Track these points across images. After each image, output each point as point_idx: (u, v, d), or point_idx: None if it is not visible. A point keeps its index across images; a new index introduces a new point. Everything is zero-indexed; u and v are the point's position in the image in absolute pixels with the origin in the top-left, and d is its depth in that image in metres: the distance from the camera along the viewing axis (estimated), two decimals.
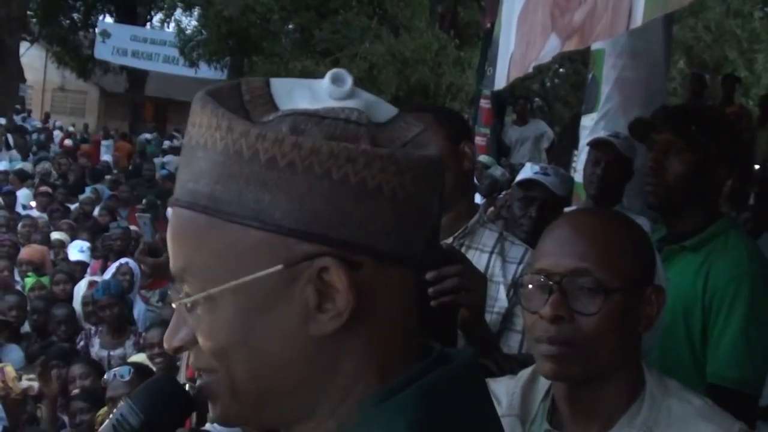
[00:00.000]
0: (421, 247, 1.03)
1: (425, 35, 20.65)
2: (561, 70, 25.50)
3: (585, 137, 5.12)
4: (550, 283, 1.68)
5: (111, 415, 1.20)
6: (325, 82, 1.00)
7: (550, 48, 2.38)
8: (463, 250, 2.61)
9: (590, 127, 5.04)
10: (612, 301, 1.66)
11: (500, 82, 4.17)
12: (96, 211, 11.88)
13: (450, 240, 2.64)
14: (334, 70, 1.01)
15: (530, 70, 3.08)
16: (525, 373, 1.86)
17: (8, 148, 17.68)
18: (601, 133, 4.36)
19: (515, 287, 2.50)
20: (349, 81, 1.00)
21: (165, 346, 1.06)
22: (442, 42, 20.61)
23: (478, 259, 2.63)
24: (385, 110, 1.04)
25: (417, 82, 19.69)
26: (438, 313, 2.11)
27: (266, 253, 0.95)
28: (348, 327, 0.97)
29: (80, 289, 7.20)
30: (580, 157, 5.22)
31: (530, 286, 1.73)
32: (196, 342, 1.02)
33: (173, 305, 1.04)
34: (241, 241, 0.95)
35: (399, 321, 1.01)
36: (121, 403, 1.19)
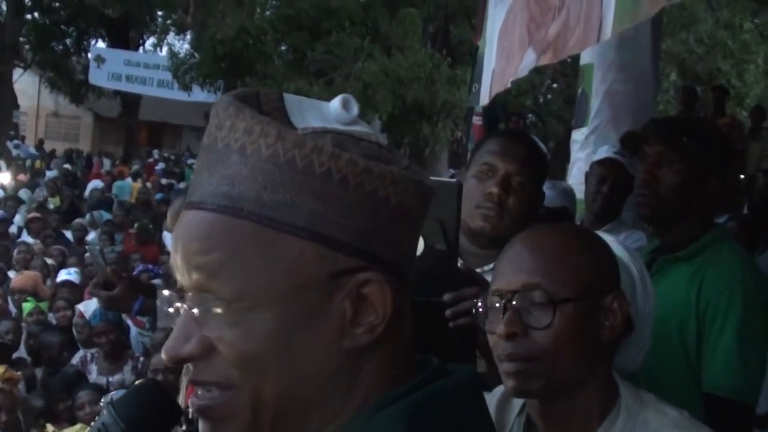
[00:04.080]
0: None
1: (418, 54, 20.67)
2: (554, 85, 25.57)
3: (576, 151, 5.14)
4: (504, 301, 1.70)
5: (93, 422, 1.18)
6: (335, 105, 1.03)
7: (527, 62, 2.41)
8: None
9: (581, 141, 5.05)
10: (564, 313, 1.67)
11: (484, 97, 4.19)
12: (91, 236, 11.86)
13: (491, 266, 2.64)
14: (343, 96, 1.04)
15: (509, 84, 3.11)
16: (499, 389, 1.85)
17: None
18: (605, 150, 4.35)
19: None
20: (356, 107, 1.03)
21: (168, 355, 1.01)
22: (435, 61, 20.65)
23: None
24: (379, 138, 1.06)
25: (412, 101, 19.73)
26: (456, 335, 2.10)
27: (313, 263, 0.96)
28: (377, 341, 1.00)
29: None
30: (572, 172, 5.23)
31: (488, 307, 1.75)
32: (209, 353, 0.99)
33: (187, 310, 1.01)
34: (290, 249, 0.96)
35: (407, 342, 1.05)
36: (104, 411, 1.17)
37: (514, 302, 1.69)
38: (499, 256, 1.78)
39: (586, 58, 4.91)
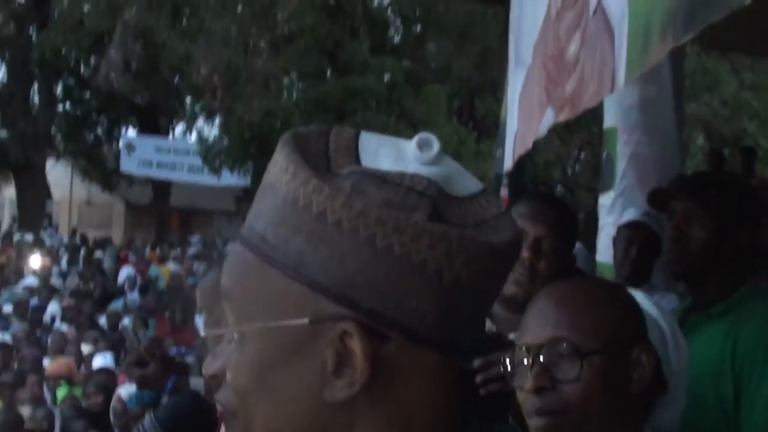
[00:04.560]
0: (469, 336, 0.99)
1: (444, 129, 20.85)
2: (582, 156, 25.59)
3: (604, 216, 5.11)
4: (531, 356, 1.69)
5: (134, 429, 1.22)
6: (411, 146, 0.98)
7: (547, 121, 2.42)
8: None
9: (608, 205, 5.02)
10: (591, 365, 1.65)
11: (508, 161, 4.20)
12: (126, 322, 11.92)
13: None
14: (422, 135, 0.99)
15: (530, 146, 3.10)
16: None
17: (36, 265, 17.79)
18: (631, 213, 4.33)
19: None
20: (435, 147, 0.98)
21: (203, 371, 1.08)
22: (462, 135, 20.78)
23: None
24: (468, 184, 1.01)
25: None
26: (489, 401, 2.07)
27: (296, 304, 0.94)
28: (365, 399, 0.94)
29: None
30: (600, 236, 5.20)
31: (516, 363, 1.73)
32: (224, 377, 1.01)
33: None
34: (277, 286, 0.94)
35: (428, 404, 0.97)
36: (146, 418, 1.20)
37: (541, 356, 1.67)
38: (525, 312, 1.76)
39: (609, 121, 4.91)
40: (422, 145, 0.98)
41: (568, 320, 1.68)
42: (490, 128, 23.64)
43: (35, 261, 17.66)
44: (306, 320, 0.93)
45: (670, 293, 4.27)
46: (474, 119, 23.94)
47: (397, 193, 0.95)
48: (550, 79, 2.32)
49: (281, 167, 0.96)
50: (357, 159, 0.99)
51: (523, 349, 1.71)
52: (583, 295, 1.74)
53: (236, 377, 0.99)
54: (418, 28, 25.79)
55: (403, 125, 21.57)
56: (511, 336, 2.43)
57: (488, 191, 1.02)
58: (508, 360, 1.75)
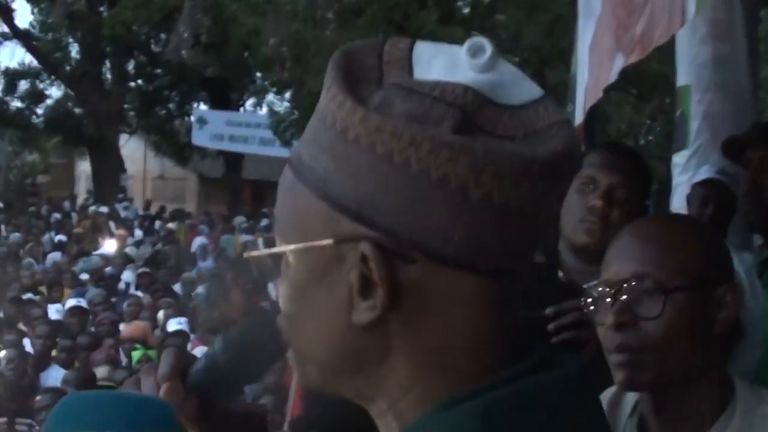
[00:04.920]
0: (516, 257, 0.92)
1: None
2: (656, 126, 25.24)
3: (677, 175, 5.05)
4: (613, 291, 1.66)
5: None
6: (462, 52, 0.92)
7: (617, 67, 2.39)
8: None
9: (682, 164, 4.96)
10: (675, 302, 1.63)
11: (579, 115, 4.17)
12: (200, 290, 12.07)
13: None
14: (472, 40, 0.92)
15: (601, 94, 3.07)
16: (609, 391, 1.81)
17: (111, 235, 18.13)
18: (705, 171, 4.28)
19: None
20: (487, 52, 0.91)
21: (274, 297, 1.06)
22: None
23: None
24: (526, 91, 0.93)
25: None
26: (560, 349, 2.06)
27: (322, 224, 0.92)
28: (395, 323, 0.91)
29: None
30: (674, 196, 5.14)
31: (598, 298, 1.71)
32: None
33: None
34: (308, 206, 0.93)
35: (468, 330, 0.92)
36: (217, 340, 1.24)
37: (623, 292, 1.65)
38: (608, 248, 1.75)
39: (682, 79, 4.84)
40: (474, 51, 0.91)
41: (652, 256, 1.66)
42: (562, 97, 23.40)
43: (110, 231, 17.99)
44: (329, 241, 0.91)
45: (745, 252, 4.22)
46: (545, 88, 23.67)
47: (422, 104, 0.89)
48: (620, 25, 2.30)
49: (325, 84, 0.95)
50: (410, 70, 0.94)
51: (605, 284, 1.69)
52: (669, 231, 1.71)
53: (281, 300, 0.99)
54: None
55: None
56: (586, 287, 2.42)
57: (549, 98, 0.94)
58: (589, 296, 1.73)
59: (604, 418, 0.98)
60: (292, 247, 0.95)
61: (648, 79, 21.55)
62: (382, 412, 0.96)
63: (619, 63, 2.34)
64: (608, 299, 1.67)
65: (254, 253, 1.02)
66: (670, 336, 1.63)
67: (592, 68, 3.32)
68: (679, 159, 5.05)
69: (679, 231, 1.72)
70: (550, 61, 21.97)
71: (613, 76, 2.47)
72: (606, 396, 1.81)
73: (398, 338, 0.92)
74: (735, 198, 4.09)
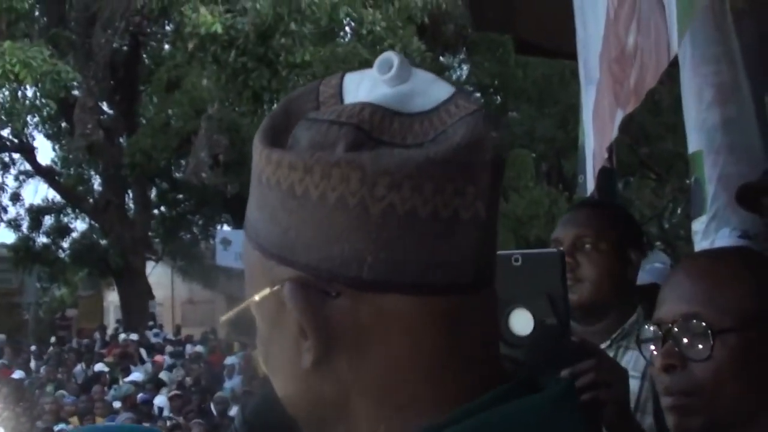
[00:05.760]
0: (448, 268, 0.86)
1: (534, 192, 20.79)
2: (678, 210, 25.23)
3: (698, 242, 4.99)
4: (662, 332, 1.60)
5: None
6: (374, 70, 0.91)
7: (617, 122, 2.39)
8: (620, 351, 2.57)
9: (702, 230, 4.90)
10: (725, 344, 1.55)
11: (590, 184, 4.15)
12: (234, 410, 12.01)
13: (608, 343, 2.58)
14: (381, 56, 0.91)
15: (606, 154, 3.07)
16: None
17: (142, 362, 18.12)
18: (726, 234, 4.24)
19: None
20: (395, 65, 0.89)
21: None
22: (552, 197, 20.67)
23: (637, 359, 2.55)
24: (436, 94, 0.89)
25: (535, 239, 19.73)
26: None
27: (261, 275, 0.90)
28: (339, 360, 0.87)
29: None
30: None
31: (647, 339, 1.66)
32: None
33: None
34: (252, 259, 0.92)
35: (414, 355, 0.86)
36: (236, 415, 1.23)
37: (672, 332, 1.59)
38: (662, 285, 1.70)
39: (693, 146, 4.82)
40: (382, 67, 0.90)
41: (702, 295, 1.59)
42: (581, 189, 23.50)
43: (141, 358, 17.98)
44: (267, 290, 0.88)
45: None
46: (563, 180, 23.81)
47: (320, 130, 0.86)
48: (616, 81, 2.30)
49: None
50: (342, 101, 0.91)
51: (656, 323, 1.63)
52: (719, 267, 1.64)
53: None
54: (498, 98, 25.91)
55: None
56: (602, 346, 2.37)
57: (462, 92, 0.90)
58: (643, 336, 1.68)
59: None
60: (243, 304, 0.92)
61: (664, 161, 21.63)
62: None
63: (619, 117, 2.33)
64: (658, 338, 1.62)
65: (224, 317, 0.98)
66: (721, 379, 1.55)
67: (596, 133, 3.33)
68: (698, 226, 5.00)
69: (730, 267, 1.64)
70: (564, 152, 22.14)
71: (614, 132, 2.47)
72: None
73: (348, 378, 0.87)
74: None
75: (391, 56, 0.90)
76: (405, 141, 0.86)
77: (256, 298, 0.89)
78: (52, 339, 26.33)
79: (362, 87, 0.91)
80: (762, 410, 1.59)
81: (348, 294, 0.85)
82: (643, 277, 4.17)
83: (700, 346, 1.56)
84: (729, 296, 1.58)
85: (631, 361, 2.48)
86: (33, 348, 24.03)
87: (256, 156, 0.90)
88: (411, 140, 0.86)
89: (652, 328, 1.64)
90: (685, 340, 1.58)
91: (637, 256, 2.62)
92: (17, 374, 16.65)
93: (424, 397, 0.87)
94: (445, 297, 0.86)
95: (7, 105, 20.60)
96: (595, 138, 3.39)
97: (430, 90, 0.90)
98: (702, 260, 1.73)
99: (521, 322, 1.61)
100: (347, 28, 19.71)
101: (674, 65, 1.91)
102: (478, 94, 26.34)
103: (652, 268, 4.57)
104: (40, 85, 16.86)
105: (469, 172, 0.85)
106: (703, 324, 1.56)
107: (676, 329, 1.59)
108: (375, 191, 0.83)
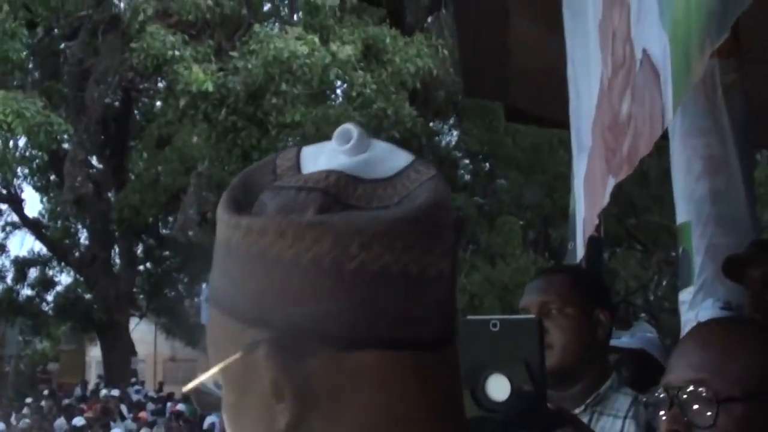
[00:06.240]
0: (419, 324, 0.88)
1: (521, 260, 20.80)
2: (663, 282, 25.27)
3: (685, 312, 5.01)
4: (668, 397, 1.62)
5: None
6: (333, 141, 0.94)
7: (608, 190, 2.42)
8: (595, 417, 2.57)
9: (689, 301, 4.92)
10: (729, 412, 1.56)
11: (580, 251, 4.18)
12: None
13: (582, 408, 2.58)
14: (339, 128, 0.94)
15: (597, 221, 3.10)
16: None
17: (122, 419, 17.93)
18: (709, 305, 4.27)
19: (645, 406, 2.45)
20: (354, 136, 0.92)
21: None
22: (539, 265, 20.68)
23: (612, 425, 2.56)
24: (396, 162, 0.93)
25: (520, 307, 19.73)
26: None
27: (231, 339, 0.90)
28: (314, 421, 0.87)
29: None
30: (683, 333, 5.10)
31: (654, 403, 1.67)
32: None
33: None
34: (218, 325, 0.92)
35: (388, 412, 0.88)
36: None
37: (679, 398, 1.60)
38: (673, 351, 1.72)
39: (682, 216, 4.86)
40: (341, 138, 0.93)
41: (710, 363, 1.60)
42: (564, 257, 23.54)
43: (122, 415, 17.79)
44: (238, 354, 0.89)
45: None
46: (550, 248, 23.85)
47: (288, 196, 0.89)
48: (608, 149, 2.33)
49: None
50: (300, 172, 0.94)
51: (664, 388, 1.64)
52: (730, 337, 1.66)
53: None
54: (487, 165, 26.03)
55: (479, 259, 21.58)
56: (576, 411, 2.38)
57: (420, 160, 0.94)
58: (650, 401, 1.69)
59: None
60: (211, 371, 0.92)
61: (651, 232, 21.71)
62: None
63: (610, 185, 2.36)
64: (665, 403, 1.63)
65: (189, 385, 0.98)
66: None
67: (588, 200, 3.36)
68: (685, 296, 5.02)
69: (739, 337, 1.66)
70: (552, 220, 22.23)
71: (605, 199, 2.50)
72: None
73: None
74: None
75: (350, 128, 0.93)
76: (371, 205, 0.89)
77: (226, 362, 0.89)
78: (32, 394, 26.02)
79: (321, 159, 0.93)
80: None
81: (323, 352, 0.86)
82: (632, 343, 4.19)
83: (706, 414, 1.57)
84: (736, 366, 1.60)
85: (605, 426, 2.49)
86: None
87: (222, 226, 0.91)
88: (376, 204, 0.89)
89: (658, 394, 1.66)
90: (691, 407, 1.59)
91: (606, 317, 2.64)
92: None
93: None
94: (415, 352, 0.88)
95: None
96: (586, 205, 3.42)
97: (390, 158, 0.93)
98: (712, 329, 1.74)
99: (498, 387, 1.61)
100: (338, 91, 19.87)
101: (663, 137, 1.94)
102: (467, 161, 26.51)
103: (642, 336, 4.60)
104: (32, 136, 16.86)
105: (435, 232, 0.89)
106: (709, 391, 1.58)
107: (682, 395, 1.60)
108: (348, 250, 0.85)
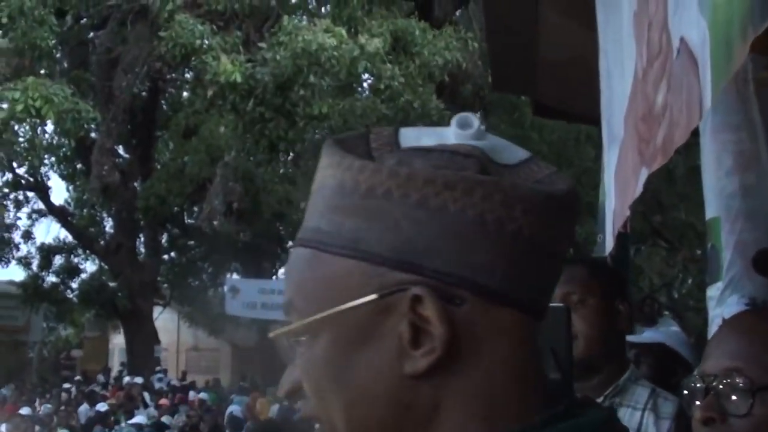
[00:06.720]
0: (542, 293, 0.96)
1: None
2: (689, 280, 25.15)
3: (713, 308, 4.98)
4: (704, 385, 1.63)
5: None
6: (452, 126, 0.99)
7: (641, 181, 2.41)
8: (614, 407, 2.55)
9: (716, 297, 4.89)
10: (765, 401, 1.57)
11: (609, 244, 4.16)
12: None
13: (601, 399, 2.58)
14: (460, 115, 0.99)
15: (628, 212, 3.10)
16: None
17: (145, 406, 18.05)
18: (734, 301, 4.25)
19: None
20: (476, 124, 0.98)
21: (279, 392, 1.03)
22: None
23: (630, 417, 2.56)
24: (516, 154, 1.00)
25: None
26: None
27: (360, 282, 0.92)
28: (447, 367, 0.91)
29: None
30: (711, 330, 5.07)
31: (690, 391, 1.68)
32: (301, 386, 0.99)
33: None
34: (338, 271, 0.93)
35: (510, 368, 0.94)
36: None
37: (714, 386, 1.61)
38: (709, 340, 1.73)
39: (711, 212, 4.84)
40: (463, 123, 0.98)
41: (745, 351, 1.62)
42: (592, 252, 23.43)
43: (144, 402, 17.91)
44: (374, 296, 0.91)
45: None
46: (574, 244, 23.83)
47: (441, 158, 0.94)
48: (642, 140, 2.32)
49: (325, 165, 0.97)
50: (399, 149, 0.98)
51: (701, 376, 1.65)
52: (766, 326, 1.67)
53: (310, 377, 0.97)
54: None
55: None
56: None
57: (537, 157, 1.01)
58: (687, 388, 1.69)
59: None
60: (327, 313, 0.93)
61: (676, 230, 21.59)
62: None
63: (643, 176, 2.35)
64: (700, 391, 1.64)
65: (279, 331, 0.99)
66: None
67: (618, 192, 3.35)
68: (713, 292, 5.00)
69: None
70: (578, 215, 22.16)
71: (638, 190, 2.49)
72: None
73: (449, 386, 0.92)
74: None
75: (470, 116, 0.99)
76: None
77: (355, 303, 0.92)
78: (55, 380, 26.19)
79: (425, 140, 0.98)
80: None
81: (471, 303, 0.91)
82: (655, 337, 4.18)
83: (741, 402, 1.58)
84: None
85: (624, 418, 2.50)
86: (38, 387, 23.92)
87: (350, 173, 0.93)
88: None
89: (695, 382, 1.66)
90: (727, 395, 1.60)
91: (625, 308, 2.66)
92: (25, 410, 16.59)
93: (507, 410, 0.93)
94: (532, 318, 0.96)
95: (27, 140, 20.74)
96: (617, 197, 3.40)
97: (510, 149, 0.99)
98: (748, 317, 1.75)
99: None
100: (365, 83, 19.84)
101: (692, 134, 1.94)
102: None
103: (666, 330, 4.59)
104: (59, 123, 16.95)
105: (569, 215, 0.97)
106: (745, 380, 1.58)
107: (718, 383, 1.61)
108: (512, 213, 0.91)
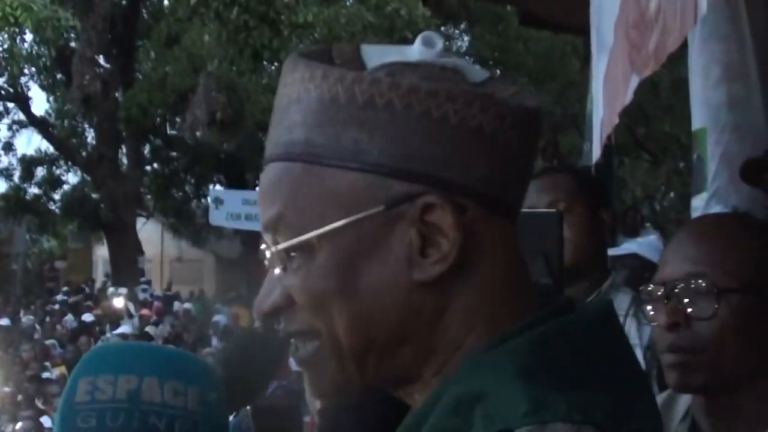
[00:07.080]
0: (519, 200, 1.00)
1: None
2: (671, 194, 25.29)
3: None
4: (666, 291, 1.63)
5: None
6: (416, 45, 0.99)
7: (632, 88, 2.40)
8: None
9: (701, 207, 4.91)
10: (730, 303, 1.58)
11: (597, 152, 4.16)
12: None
13: None
14: (425, 33, 1.00)
15: (617, 120, 3.10)
16: (661, 396, 1.76)
17: (130, 316, 18.17)
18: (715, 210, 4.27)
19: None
20: (440, 43, 0.99)
21: (255, 311, 1.01)
22: None
23: None
24: (478, 73, 1.01)
25: None
26: None
27: (366, 194, 0.93)
28: (454, 273, 0.93)
29: None
30: None
31: (652, 298, 1.67)
32: (291, 303, 0.97)
33: (271, 269, 0.99)
34: (340, 184, 0.93)
35: (506, 272, 0.97)
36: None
37: (677, 291, 1.61)
38: (666, 247, 1.73)
39: (697, 123, 4.83)
40: (428, 42, 0.99)
41: (706, 256, 1.62)
42: (574, 164, 23.50)
43: (129, 312, 18.04)
44: (381, 207, 0.92)
45: None
46: (558, 156, 23.80)
47: (432, 71, 0.96)
48: (633, 46, 2.30)
49: (303, 78, 0.96)
50: (365, 67, 0.98)
51: (660, 283, 1.65)
52: (725, 231, 1.68)
53: (309, 291, 0.95)
54: (498, 71, 25.83)
55: None
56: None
57: (499, 76, 1.07)
58: (645, 295, 1.70)
59: (627, 345, 1.00)
60: (337, 224, 0.93)
61: (660, 142, 21.64)
62: (425, 383, 0.96)
63: (633, 83, 2.33)
64: (661, 297, 1.64)
65: (281, 245, 0.98)
66: (724, 337, 1.59)
67: (607, 99, 3.34)
68: (698, 202, 5.01)
69: (735, 230, 1.68)
70: (562, 128, 22.10)
71: (628, 97, 2.48)
72: (659, 399, 1.76)
73: (456, 291, 0.94)
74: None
75: (434, 35, 1.00)
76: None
77: (362, 215, 0.92)
78: (39, 292, 26.30)
79: (389, 57, 0.98)
80: (760, 369, 1.62)
81: (475, 211, 0.94)
82: (630, 248, 4.22)
83: (705, 305, 1.59)
84: (733, 258, 1.61)
85: None
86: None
87: (343, 85, 0.93)
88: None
89: (654, 288, 1.66)
90: (691, 299, 1.61)
91: (608, 217, 2.69)
92: (4, 321, 16.70)
93: (505, 311, 0.96)
94: (515, 225, 1.00)
95: (6, 49, 20.46)
96: (605, 105, 3.40)
97: (473, 68, 1.01)
98: (707, 223, 1.75)
99: None
100: None
101: (678, 47, 1.93)
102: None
103: (642, 241, 4.64)
104: (39, 31, 16.71)
105: (540, 129, 1.01)
106: (709, 283, 1.59)
107: (680, 288, 1.62)
108: (503, 125, 0.95)
